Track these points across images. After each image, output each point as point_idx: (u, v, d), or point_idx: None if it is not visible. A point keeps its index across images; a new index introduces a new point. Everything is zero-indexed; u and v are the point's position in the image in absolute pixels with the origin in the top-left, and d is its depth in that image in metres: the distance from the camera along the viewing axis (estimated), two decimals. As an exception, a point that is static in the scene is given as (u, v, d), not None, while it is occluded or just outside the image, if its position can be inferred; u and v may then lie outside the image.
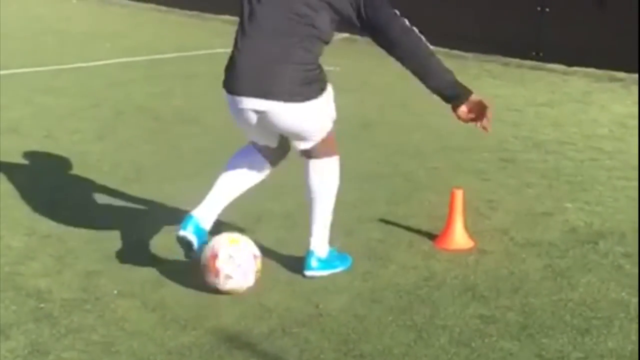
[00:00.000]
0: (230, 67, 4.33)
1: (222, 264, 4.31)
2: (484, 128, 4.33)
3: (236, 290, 4.36)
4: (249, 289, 4.37)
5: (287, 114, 4.24)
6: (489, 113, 4.31)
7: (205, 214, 4.47)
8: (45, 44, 11.30)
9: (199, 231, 4.43)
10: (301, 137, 4.40)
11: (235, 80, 4.29)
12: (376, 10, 4.26)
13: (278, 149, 4.57)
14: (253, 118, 4.30)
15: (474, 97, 4.30)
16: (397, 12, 4.29)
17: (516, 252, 4.96)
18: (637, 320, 4.15)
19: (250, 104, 4.25)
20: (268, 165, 4.61)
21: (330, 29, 4.31)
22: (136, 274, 4.62)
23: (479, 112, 4.31)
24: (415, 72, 4.29)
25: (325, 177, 4.51)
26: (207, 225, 4.49)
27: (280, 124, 4.30)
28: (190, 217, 4.46)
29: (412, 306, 4.29)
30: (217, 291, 4.36)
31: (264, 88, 4.20)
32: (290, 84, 4.19)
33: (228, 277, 4.31)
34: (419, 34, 4.26)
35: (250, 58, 4.24)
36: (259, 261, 4.41)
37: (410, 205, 5.69)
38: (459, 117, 4.35)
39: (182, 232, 4.43)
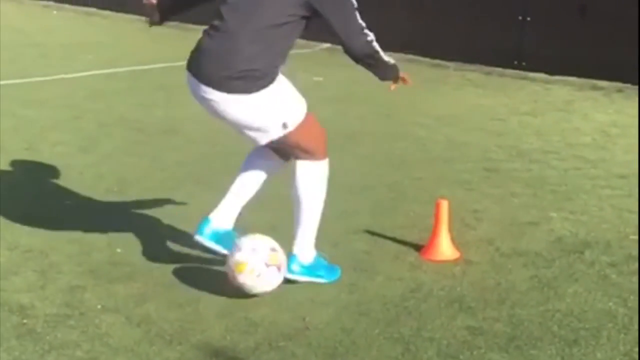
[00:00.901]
0: (194, 48, 4.51)
1: (240, 240, 4.45)
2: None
3: (241, 271, 4.34)
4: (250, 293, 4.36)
5: (226, 105, 4.36)
6: (408, 79, 4.63)
7: (221, 215, 4.60)
8: (26, 56, 11.23)
9: (214, 235, 4.56)
10: (246, 133, 4.47)
11: (193, 61, 4.48)
12: (342, 24, 4.36)
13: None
14: (201, 100, 4.46)
15: (401, 74, 4.62)
16: (363, 26, 4.39)
17: (502, 263, 4.95)
18: (624, 331, 4.15)
19: (199, 88, 4.41)
20: (279, 160, 4.66)
21: (285, 24, 4.36)
22: (120, 288, 4.58)
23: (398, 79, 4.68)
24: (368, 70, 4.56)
25: (308, 180, 4.51)
26: (226, 225, 4.60)
27: (223, 114, 4.42)
28: (206, 221, 4.58)
29: (399, 318, 4.27)
30: (226, 281, 4.39)
31: (209, 76, 4.36)
32: (230, 77, 4.31)
33: (237, 248, 4.39)
34: (374, 45, 4.43)
35: (209, 43, 4.42)
36: (276, 255, 4.42)
37: (396, 216, 5.68)
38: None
39: (196, 237, 4.60)
